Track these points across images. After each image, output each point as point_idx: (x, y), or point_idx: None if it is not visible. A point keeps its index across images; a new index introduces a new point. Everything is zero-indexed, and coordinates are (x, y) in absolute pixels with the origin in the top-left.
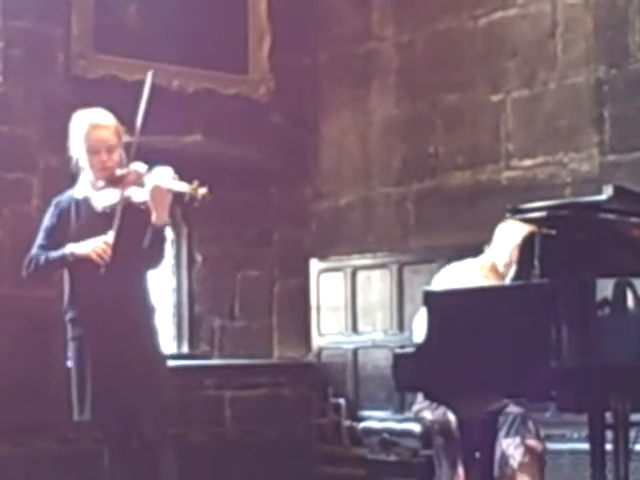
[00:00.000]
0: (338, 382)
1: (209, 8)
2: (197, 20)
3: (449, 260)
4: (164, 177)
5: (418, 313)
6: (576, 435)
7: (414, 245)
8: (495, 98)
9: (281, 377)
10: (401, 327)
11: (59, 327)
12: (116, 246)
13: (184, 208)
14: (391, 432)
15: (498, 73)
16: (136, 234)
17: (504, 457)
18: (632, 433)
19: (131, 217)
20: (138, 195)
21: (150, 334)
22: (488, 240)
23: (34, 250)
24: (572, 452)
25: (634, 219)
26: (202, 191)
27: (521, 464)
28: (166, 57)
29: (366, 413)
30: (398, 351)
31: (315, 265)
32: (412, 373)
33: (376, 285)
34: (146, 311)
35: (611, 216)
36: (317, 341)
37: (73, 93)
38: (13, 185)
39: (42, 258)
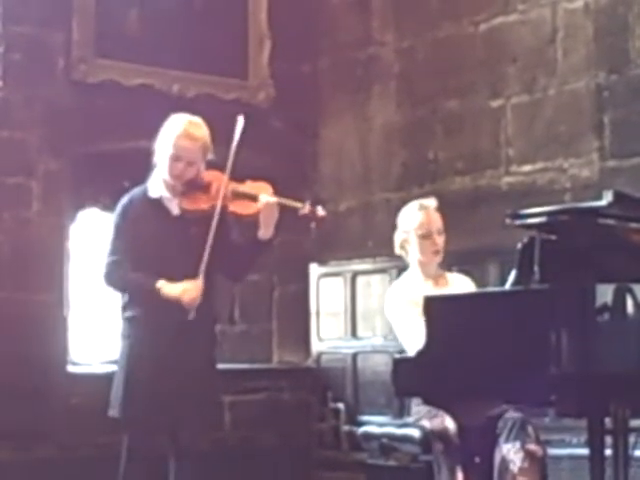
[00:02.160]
0: (337, 387)
1: (209, 14)
2: (197, 26)
3: (449, 265)
4: (270, 192)
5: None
6: (575, 440)
7: None
8: (495, 104)
9: (280, 382)
10: None
11: (60, 331)
12: (210, 252)
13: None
14: (390, 437)
15: (498, 79)
16: (219, 245)
17: (504, 462)
18: (631, 439)
19: (219, 227)
20: (244, 208)
21: (211, 346)
22: (488, 245)
23: (115, 256)
24: (571, 457)
25: (634, 225)
26: (321, 212)
27: (521, 469)
28: (166, 62)
29: (365, 418)
30: (397, 356)
31: (315, 270)
32: (411, 378)
33: (376, 290)
34: (211, 322)
35: (611, 222)
36: (317, 346)
37: (73, 98)
38: (13, 190)
39: (125, 280)
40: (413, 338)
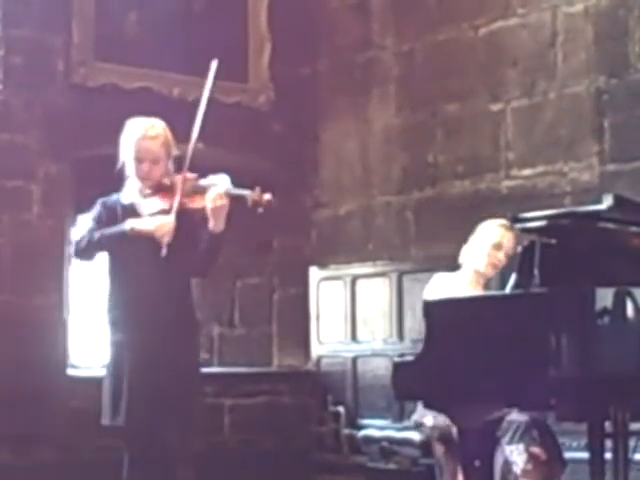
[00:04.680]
0: (337, 390)
1: (209, 17)
2: (197, 29)
3: (449, 269)
4: (223, 184)
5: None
6: (575, 444)
7: (414, 254)
8: (495, 107)
9: (280, 385)
10: (401, 336)
11: (60, 335)
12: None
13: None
14: (390, 440)
15: (498, 82)
16: (187, 242)
17: (507, 464)
18: (631, 442)
19: (182, 224)
20: (194, 202)
21: (194, 348)
22: None
23: (81, 234)
24: (571, 461)
25: (634, 229)
26: (267, 196)
27: (524, 471)
28: (166, 65)
29: (365, 421)
30: (397, 360)
31: (315, 273)
32: (411, 382)
33: (376, 294)
34: (193, 322)
35: (611, 225)
36: (317, 349)
37: (73, 101)
38: (13, 193)
39: (96, 234)
40: None
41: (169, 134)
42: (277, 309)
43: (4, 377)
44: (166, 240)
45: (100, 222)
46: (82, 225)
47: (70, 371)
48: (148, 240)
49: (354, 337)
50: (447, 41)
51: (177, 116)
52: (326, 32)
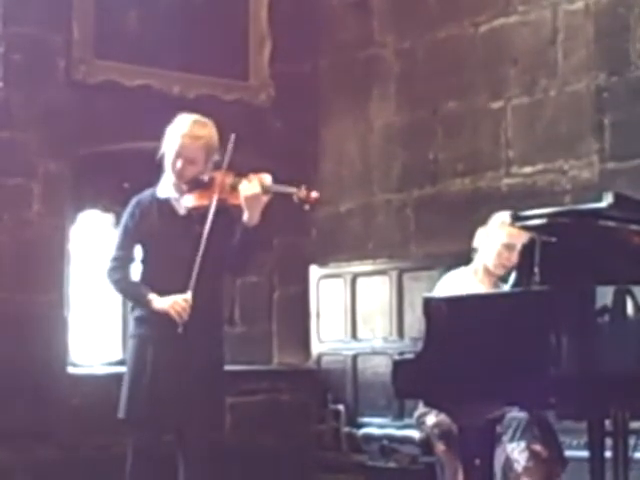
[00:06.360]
0: (338, 388)
1: (210, 14)
2: (198, 26)
3: (449, 267)
4: (263, 180)
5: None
6: (575, 442)
7: (414, 252)
8: (495, 105)
9: (280, 383)
10: (401, 334)
11: (60, 332)
12: (205, 247)
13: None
14: (391, 439)
15: (498, 80)
16: (224, 240)
17: (509, 461)
18: (631, 441)
19: (220, 221)
20: (234, 198)
21: (218, 346)
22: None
23: (120, 251)
24: (571, 459)
25: (634, 227)
26: (314, 194)
27: (525, 468)
28: (167, 63)
29: (365, 420)
30: (397, 358)
31: (315, 271)
32: (411, 380)
33: (376, 292)
34: (219, 321)
35: (611, 223)
36: (317, 347)
37: (73, 99)
38: (13, 191)
39: (123, 283)
40: None
41: (215, 138)
42: (277, 307)
43: (4, 375)
44: (182, 319)
45: (131, 235)
46: (115, 243)
47: (70, 369)
48: (182, 238)
49: (354, 335)
50: (448, 39)
51: (177, 114)
52: (327, 29)
